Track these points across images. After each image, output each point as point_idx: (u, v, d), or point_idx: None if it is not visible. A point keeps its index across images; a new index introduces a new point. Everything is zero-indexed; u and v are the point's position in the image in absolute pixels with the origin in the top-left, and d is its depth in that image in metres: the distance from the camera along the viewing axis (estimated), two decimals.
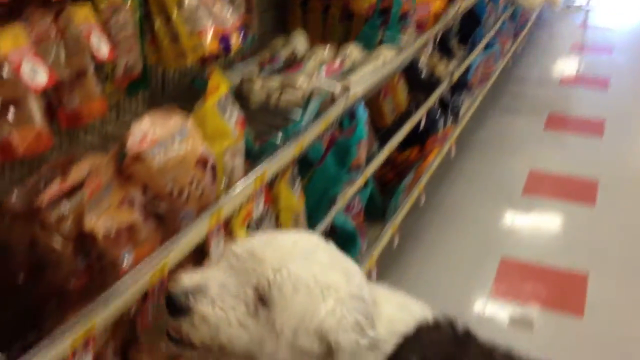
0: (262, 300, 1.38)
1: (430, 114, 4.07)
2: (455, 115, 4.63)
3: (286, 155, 2.08)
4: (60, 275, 1.57)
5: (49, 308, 1.57)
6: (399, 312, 1.54)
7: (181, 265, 1.67)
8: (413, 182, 3.84)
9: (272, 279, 1.39)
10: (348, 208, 3.16)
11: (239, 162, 1.99)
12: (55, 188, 1.55)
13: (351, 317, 1.41)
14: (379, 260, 3.46)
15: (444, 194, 4.63)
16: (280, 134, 2.18)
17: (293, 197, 2.48)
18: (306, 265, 1.43)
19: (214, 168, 1.78)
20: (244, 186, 1.87)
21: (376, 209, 3.68)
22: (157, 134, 1.67)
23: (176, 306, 1.37)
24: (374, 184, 3.62)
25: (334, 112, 2.35)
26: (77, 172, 1.58)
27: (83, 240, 1.53)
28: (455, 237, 4.17)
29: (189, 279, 1.40)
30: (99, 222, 1.52)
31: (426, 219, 4.29)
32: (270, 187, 2.44)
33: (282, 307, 1.38)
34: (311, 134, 2.19)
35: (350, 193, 2.73)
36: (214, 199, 1.78)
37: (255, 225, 2.27)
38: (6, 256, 1.57)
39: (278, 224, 2.46)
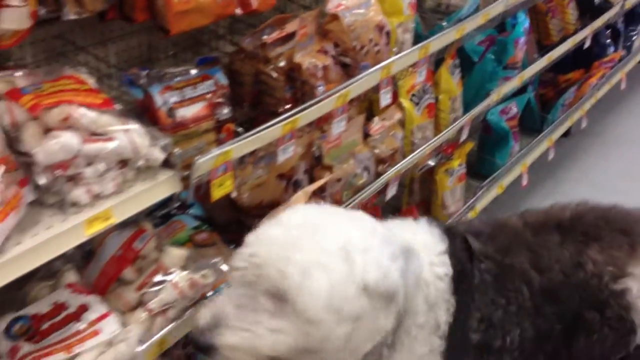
0: (280, 298, 1.35)
1: (598, 38, 4.25)
2: (628, 47, 4.74)
3: (448, 36, 2.56)
4: (275, 99, 2.21)
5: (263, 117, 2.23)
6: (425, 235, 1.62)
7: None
8: (574, 100, 4.10)
9: (277, 278, 1.35)
10: (504, 111, 3.56)
11: (408, 37, 2.52)
12: (274, 35, 2.18)
13: (382, 256, 1.41)
14: (533, 169, 3.80)
15: (608, 123, 4.77)
16: (445, 22, 2.67)
17: (452, 83, 2.97)
18: (306, 245, 1.39)
19: (388, 34, 2.33)
20: (410, 52, 2.40)
21: (534, 122, 4.02)
22: (349, 2, 2.25)
23: (202, 348, 1.37)
24: (534, 98, 3.96)
25: (495, 10, 2.79)
26: (291, 25, 2.20)
27: (292, 72, 2.15)
28: (613, 167, 4.24)
29: (203, 317, 1.39)
30: (304, 59, 2.14)
31: (587, 143, 4.50)
32: (434, 71, 2.96)
33: (301, 295, 1.34)
34: (472, 22, 2.65)
35: (504, 90, 3.14)
36: (386, 58, 2.33)
37: (417, 98, 2.80)
38: (239, 84, 2.24)
39: (437, 106, 2.97)
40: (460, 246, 1.63)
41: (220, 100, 1.84)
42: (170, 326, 1.75)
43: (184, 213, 2.19)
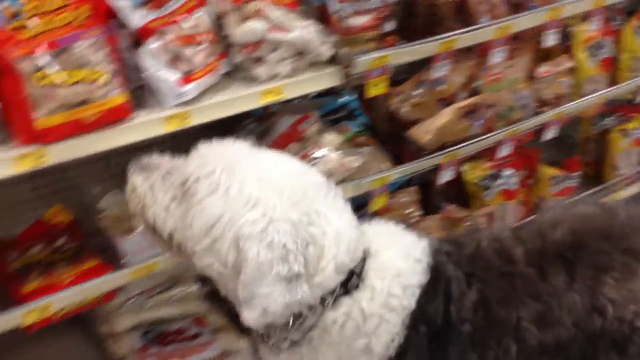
0: (187, 194, 1.43)
1: None
2: None
3: None
4: (444, 30, 2.47)
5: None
6: (404, 260, 1.49)
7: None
8: None
9: (192, 177, 1.43)
10: None
11: None
12: None
13: (277, 238, 1.33)
14: None
15: None
16: None
17: (636, 43, 2.97)
18: (246, 174, 1.41)
19: None
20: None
21: None
22: None
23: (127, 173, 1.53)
24: None
25: None
26: None
27: (461, 4, 2.39)
28: None
29: (155, 158, 1.53)
30: None
31: None
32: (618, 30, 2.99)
33: (197, 202, 1.40)
34: None
35: None
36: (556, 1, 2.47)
37: (592, 50, 2.87)
38: (414, 15, 2.53)
39: (617, 65, 2.99)
40: (441, 287, 1.49)
41: (386, 15, 2.15)
42: None
43: (351, 119, 2.55)
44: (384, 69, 2.11)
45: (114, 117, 1.70)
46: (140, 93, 1.83)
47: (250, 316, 1.35)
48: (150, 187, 1.49)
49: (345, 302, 1.43)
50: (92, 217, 2.14)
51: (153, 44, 1.75)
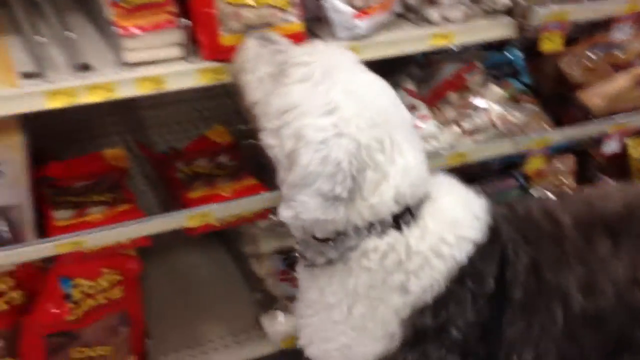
0: (282, 75, 1.46)
1: None
2: None
3: None
4: None
5: None
6: (463, 211, 1.47)
7: None
8: None
9: (293, 61, 1.46)
10: None
11: None
12: None
13: (334, 154, 1.32)
14: None
15: None
16: None
17: None
18: (340, 80, 1.41)
19: None
20: None
21: None
22: None
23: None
24: None
25: None
26: None
27: None
28: None
29: (277, 35, 1.60)
30: None
31: None
32: None
33: (284, 85, 1.43)
34: None
35: None
36: None
37: None
38: None
39: None
40: (497, 249, 1.47)
41: None
42: (474, 145, 2.11)
43: (514, 77, 2.48)
44: (561, 24, 2.03)
45: None
46: (313, 24, 1.88)
47: (284, 213, 1.37)
48: (258, 55, 1.52)
49: (393, 234, 1.41)
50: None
51: None
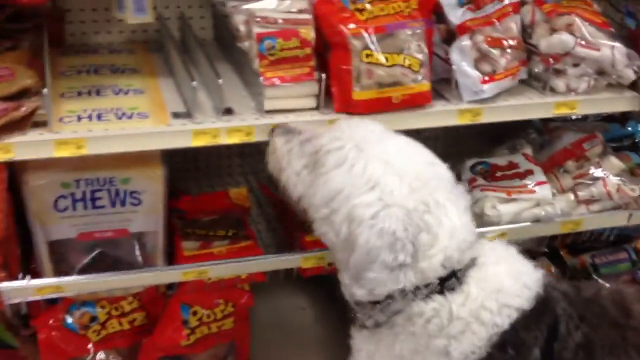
0: (317, 164, 1.49)
1: None
2: None
3: None
4: None
5: None
6: (511, 280, 1.46)
7: None
8: None
9: (325, 149, 1.48)
10: None
11: None
12: None
13: (387, 225, 1.35)
14: None
15: None
16: None
17: None
18: (373, 154, 1.44)
19: None
20: None
21: None
22: None
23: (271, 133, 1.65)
24: None
25: None
26: None
27: None
28: None
29: (297, 123, 1.64)
30: None
31: None
32: None
33: (323, 173, 1.46)
34: None
35: None
36: None
37: None
38: None
39: None
40: (546, 320, 1.45)
41: None
42: (589, 215, 2.11)
43: (634, 151, 2.46)
44: None
45: (416, 102, 1.84)
46: (439, 84, 1.97)
47: (358, 293, 1.42)
48: (288, 151, 1.57)
49: (437, 299, 1.42)
50: None
51: (465, 41, 1.87)
